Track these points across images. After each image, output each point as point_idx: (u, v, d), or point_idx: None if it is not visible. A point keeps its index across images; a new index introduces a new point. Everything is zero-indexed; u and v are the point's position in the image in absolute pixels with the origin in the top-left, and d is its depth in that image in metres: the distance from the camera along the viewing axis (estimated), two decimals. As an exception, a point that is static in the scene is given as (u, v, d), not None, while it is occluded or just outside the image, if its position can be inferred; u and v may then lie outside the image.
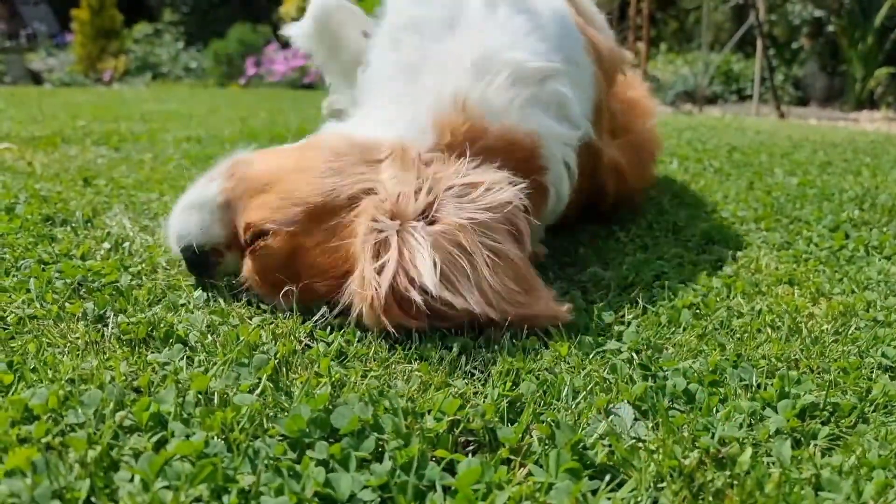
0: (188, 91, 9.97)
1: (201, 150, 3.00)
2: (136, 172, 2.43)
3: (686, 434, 0.89)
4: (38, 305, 1.20)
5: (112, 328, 1.12)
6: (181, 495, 0.73)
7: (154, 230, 1.72)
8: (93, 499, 0.72)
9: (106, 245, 1.55)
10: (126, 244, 1.57)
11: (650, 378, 1.05)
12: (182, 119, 4.65)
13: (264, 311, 1.25)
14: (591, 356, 1.12)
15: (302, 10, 1.85)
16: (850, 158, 3.27)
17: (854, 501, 0.78)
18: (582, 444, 0.86)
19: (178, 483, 0.75)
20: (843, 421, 0.95)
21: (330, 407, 0.91)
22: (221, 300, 1.29)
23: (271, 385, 0.98)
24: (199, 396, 0.92)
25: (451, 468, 0.83)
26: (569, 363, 1.10)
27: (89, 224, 1.73)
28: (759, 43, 6.18)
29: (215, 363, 1.03)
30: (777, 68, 9.06)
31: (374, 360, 1.09)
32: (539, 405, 0.96)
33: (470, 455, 0.89)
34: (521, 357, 1.10)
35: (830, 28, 8.86)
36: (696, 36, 9.91)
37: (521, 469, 0.84)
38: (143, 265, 1.44)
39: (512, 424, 0.92)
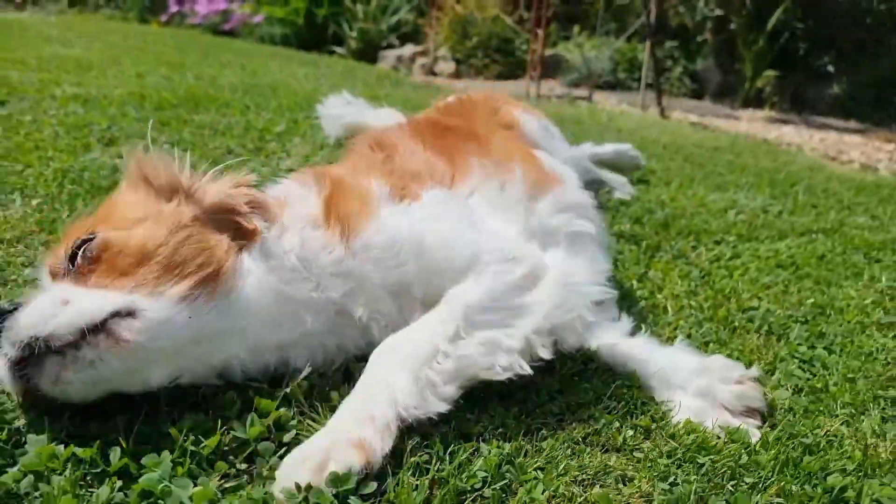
0: (101, 26, 9.76)
1: (83, 115, 3.19)
2: (9, 138, 2.63)
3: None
4: None
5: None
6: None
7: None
8: None
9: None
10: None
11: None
12: (79, 69, 4.75)
13: None
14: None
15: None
16: (677, 167, 3.73)
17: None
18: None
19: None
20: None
21: None
22: None
23: None
24: None
25: None
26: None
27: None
28: (647, 43, 6.61)
29: None
30: (678, 60, 9.58)
31: None
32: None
33: None
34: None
35: (732, 26, 9.41)
36: (608, 22, 10.31)
37: None
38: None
39: None
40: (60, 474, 1.01)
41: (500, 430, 1.24)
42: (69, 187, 2.14)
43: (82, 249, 1.14)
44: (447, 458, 1.14)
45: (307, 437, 1.14)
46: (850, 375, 1.62)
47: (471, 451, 1.16)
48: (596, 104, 7.07)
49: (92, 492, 0.99)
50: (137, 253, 1.15)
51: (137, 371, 1.12)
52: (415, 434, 1.17)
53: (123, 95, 3.81)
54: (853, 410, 1.48)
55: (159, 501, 0.99)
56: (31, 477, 1.00)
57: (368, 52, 9.83)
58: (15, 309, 1.06)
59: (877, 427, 1.41)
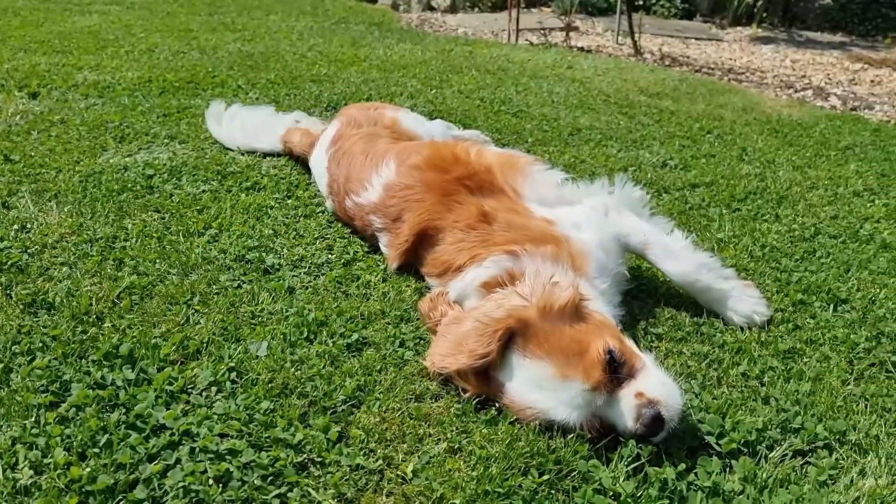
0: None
1: (100, 110, 3.88)
2: (44, 142, 3.35)
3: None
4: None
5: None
6: None
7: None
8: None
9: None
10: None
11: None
12: (96, 47, 5.41)
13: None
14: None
15: None
16: (605, 123, 4.28)
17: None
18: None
19: None
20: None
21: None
22: None
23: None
24: None
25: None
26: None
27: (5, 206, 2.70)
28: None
29: None
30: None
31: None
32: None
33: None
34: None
35: (725, -61, 9.50)
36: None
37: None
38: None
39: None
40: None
41: (364, 368, 1.96)
42: (91, 191, 2.85)
43: (614, 358, 1.80)
44: (321, 387, 1.87)
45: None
46: (637, 315, 2.30)
47: (339, 383, 1.89)
48: (568, 45, 7.44)
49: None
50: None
51: None
52: (300, 375, 1.90)
53: (134, 80, 4.49)
54: (625, 344, 2.16)
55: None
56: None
57: (370, -13, 10.19)
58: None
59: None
